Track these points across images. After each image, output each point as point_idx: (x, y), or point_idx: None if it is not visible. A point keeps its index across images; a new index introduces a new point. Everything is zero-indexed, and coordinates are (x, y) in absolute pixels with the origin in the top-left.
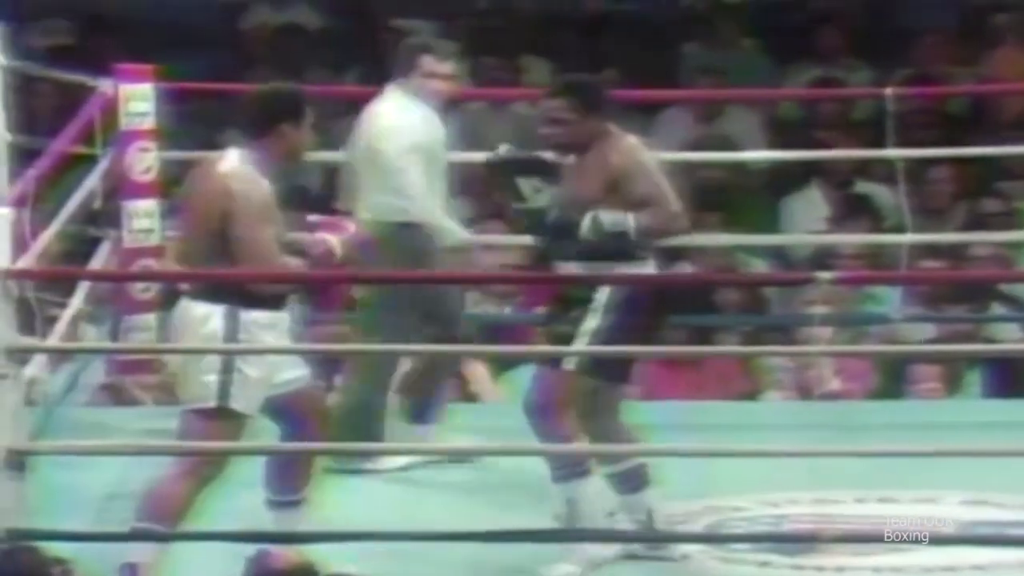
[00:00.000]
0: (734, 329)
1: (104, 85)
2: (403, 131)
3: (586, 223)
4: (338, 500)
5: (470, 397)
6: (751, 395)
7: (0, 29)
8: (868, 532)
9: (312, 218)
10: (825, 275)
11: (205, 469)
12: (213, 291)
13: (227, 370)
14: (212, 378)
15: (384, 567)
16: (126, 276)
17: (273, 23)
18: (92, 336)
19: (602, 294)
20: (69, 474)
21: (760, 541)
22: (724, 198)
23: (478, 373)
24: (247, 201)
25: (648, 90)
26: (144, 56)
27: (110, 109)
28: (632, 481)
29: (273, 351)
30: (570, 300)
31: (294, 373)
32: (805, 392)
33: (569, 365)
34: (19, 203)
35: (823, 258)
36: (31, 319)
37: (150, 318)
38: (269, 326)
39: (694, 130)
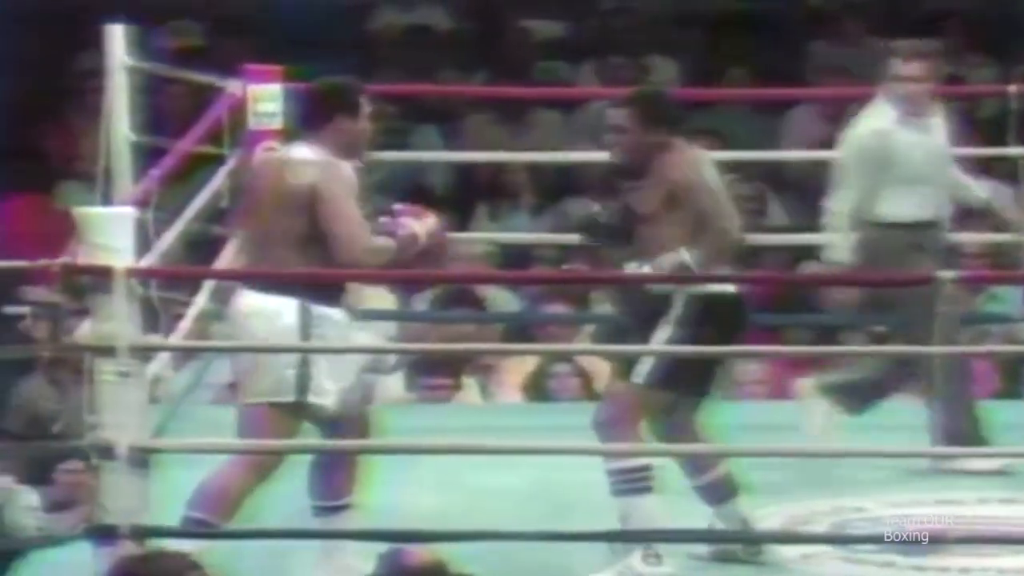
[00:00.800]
0: (857, 329)
1: (232, 86)
2: (852, 138)
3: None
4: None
5: (594, 396)
6: None
7: (127, 31)
8: (991, 533)
9: (396, 206)
10: (947, 274)
11: (268, 463)
12: (283, 284)
13: (305, 364)
14: (290, 372)
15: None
16: (248, 275)
17: (400, 24)
18: (221, 335)
19: (676, 306)
20: (193, 472)
21: (863, 543)
22: None
23: (600, 371)
24: (332, 181)
25: (775, 89)
26: (273, 58)
27: (238, 109)
28: (719, 491)
29: (394, 350)
30: (644, 311)
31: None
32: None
33: (637, 379)
34: (143, 202)
35: (945, 257)
36: (155, 317)
37: None
38: (336, 321)
39: (820, 129)
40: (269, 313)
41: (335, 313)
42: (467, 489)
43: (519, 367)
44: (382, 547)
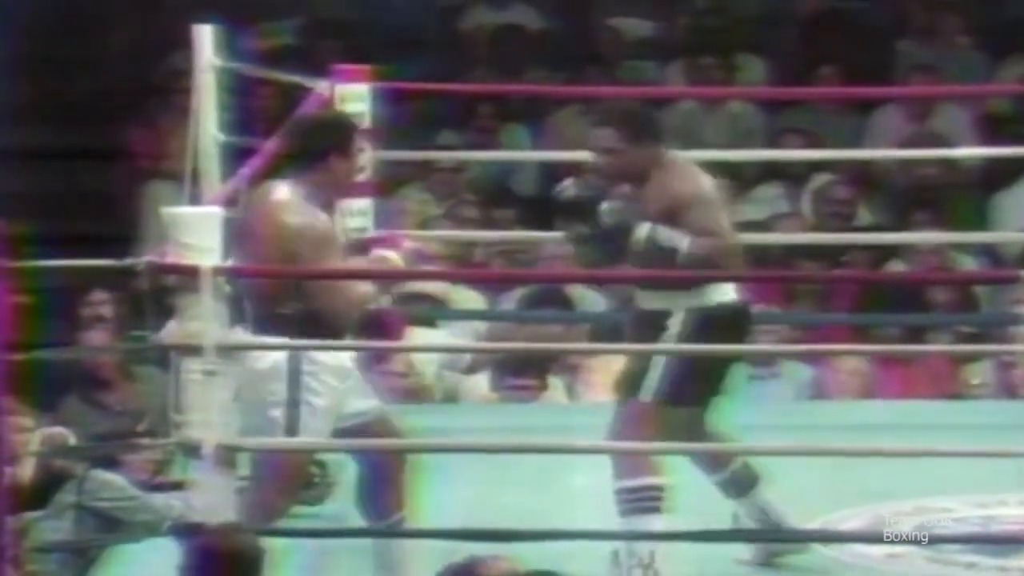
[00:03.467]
0: (944, 328)
1: (320, 86)
2: None
3: (642, 232)
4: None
5: None
6: (959, 394)
7: (216, 31)
8: None
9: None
10: None
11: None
12: (274, 323)
13: (294, 403)
14: (278, 412)
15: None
16: (334, 274)
17: (492, 24)
18: None
19: (675, 322)
20: None
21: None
22: (936, 195)
23: None
24: (309, 238)
25: (862, 88)
26: (365, 58)
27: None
28: (741, 483)
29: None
30: (644, 327)
31: (365, 404)
32: (1011, 391)
33: (646, 397)
34: (231, 202)
35: None
36: (243, 317)
37: None
38: (331, 367)
39: (907, 128)
40: (255, 352)
41: (331, 358)
42: (556, 489)
43: (607, 366)
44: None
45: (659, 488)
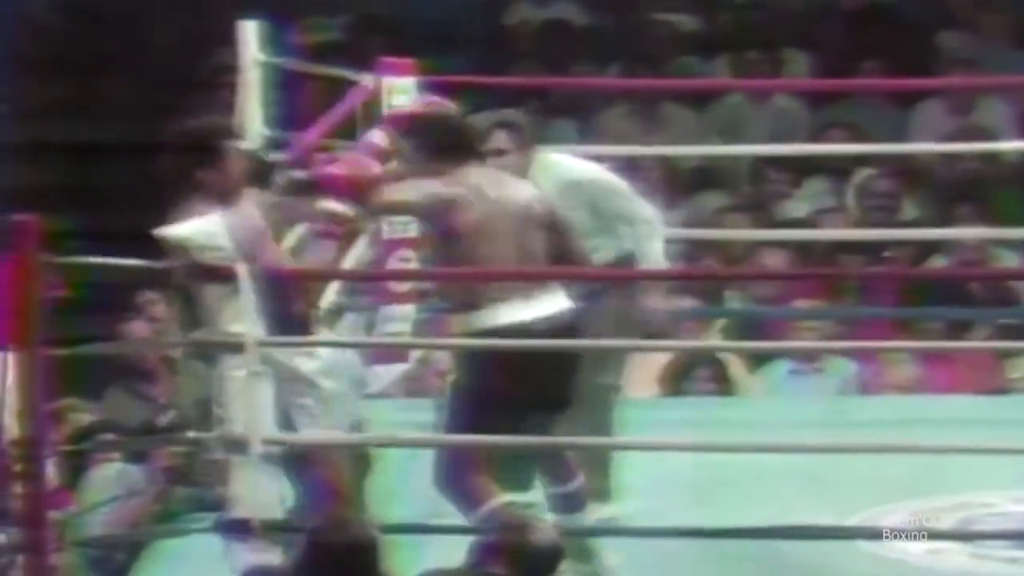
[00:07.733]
0: (986, 322)
1: (366, 79)
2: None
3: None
4: None
5: (725, 391)
6: (1002, 389)
7: (260, 26)
8: None
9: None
10: None
11: None
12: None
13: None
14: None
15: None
16: (374, 276)
17: (536, 19)
18: (349, 325)
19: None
20: None
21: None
22: (978, 190)
23: (731, 366)
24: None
25: (905, 81)
26: (411, 53)
27: (372, 103)
28: (574, 502)
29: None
30: None
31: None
32: None
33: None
34: None
35: None
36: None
37: (408, 308)
38: (304, 352)
39: (950, 121)
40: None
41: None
42: None
43: (650, 361)
44: None
45: (511, 505)
